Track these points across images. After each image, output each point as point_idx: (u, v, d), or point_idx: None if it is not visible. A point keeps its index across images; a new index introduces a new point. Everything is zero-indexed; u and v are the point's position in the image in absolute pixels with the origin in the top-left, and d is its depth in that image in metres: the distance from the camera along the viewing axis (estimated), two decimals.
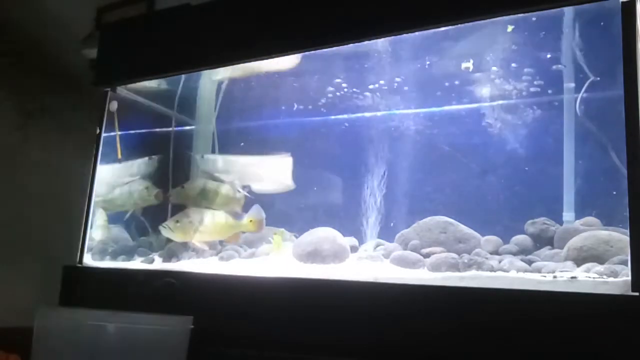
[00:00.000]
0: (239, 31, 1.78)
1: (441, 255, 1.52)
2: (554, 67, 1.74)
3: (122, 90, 2.10)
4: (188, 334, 1.38)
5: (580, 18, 1.61)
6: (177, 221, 1.87)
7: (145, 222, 2.16)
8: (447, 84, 1.89)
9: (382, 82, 1.97)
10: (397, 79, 1.95)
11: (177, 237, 1.88)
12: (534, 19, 1.56)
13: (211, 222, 1.88)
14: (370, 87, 1.99)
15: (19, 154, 2.81)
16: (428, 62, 1.88)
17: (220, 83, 2.23)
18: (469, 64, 1.79)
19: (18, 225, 2.67)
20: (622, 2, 1.27)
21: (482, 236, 1.64)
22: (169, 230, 1.86)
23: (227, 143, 2.23)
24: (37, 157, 2.76)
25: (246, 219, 1.90)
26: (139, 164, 2.18)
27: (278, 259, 1.76)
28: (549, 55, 1.75)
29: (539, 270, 1.39)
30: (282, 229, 1.86)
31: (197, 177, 2.09)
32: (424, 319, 1.30)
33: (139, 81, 2.09)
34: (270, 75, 2.06)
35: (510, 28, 1.63)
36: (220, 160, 2.12)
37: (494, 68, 1.78)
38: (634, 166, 1.20)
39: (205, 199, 1.94)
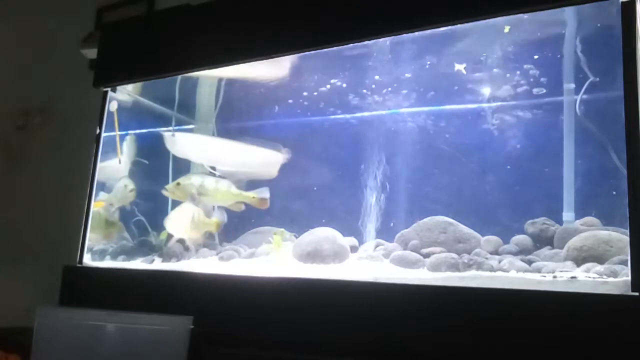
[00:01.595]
0: (239, 31, 1.78)
1: (441, 255, 1.52)
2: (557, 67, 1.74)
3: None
4: (188, 334, 1.38)
5: (581, 19, 1.61)
6: (178, 183, 1.91)
7: (145, 221, 2.16)
8: (446, 83, 1.88)
9: (382, 81, 1.97)
10: (396, 79, 1.95)
11: (176, 197, 1.93)
12: (525, 17, 1.56)
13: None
14: (367, 83, 1.99)
15: (19, 154, 2.82)
16: (429, 62, 1.88)
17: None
18: (462, 65, 1.79)
19: (18, 225, 2.67)
20: (622, 2, 1.27)
21: (482, 236, 1.64)
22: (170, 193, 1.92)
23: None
24: (37, 157, 2.76)
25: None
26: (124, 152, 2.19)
27: (278, 259, 1.76)
28: (550, 56, 1.75)
29: (538, 270, 1.39)
30: (282, 229, 1.86)
31: (191, 172, 2.08)
32: (424, 319, 1.30)
33: (139, 81, 2.09)
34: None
35: (507, 29, 1.63)
36: (194, 140, 2.10)
37: (494, 69, 1.78)
38: (634, 166, 1.20)
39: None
